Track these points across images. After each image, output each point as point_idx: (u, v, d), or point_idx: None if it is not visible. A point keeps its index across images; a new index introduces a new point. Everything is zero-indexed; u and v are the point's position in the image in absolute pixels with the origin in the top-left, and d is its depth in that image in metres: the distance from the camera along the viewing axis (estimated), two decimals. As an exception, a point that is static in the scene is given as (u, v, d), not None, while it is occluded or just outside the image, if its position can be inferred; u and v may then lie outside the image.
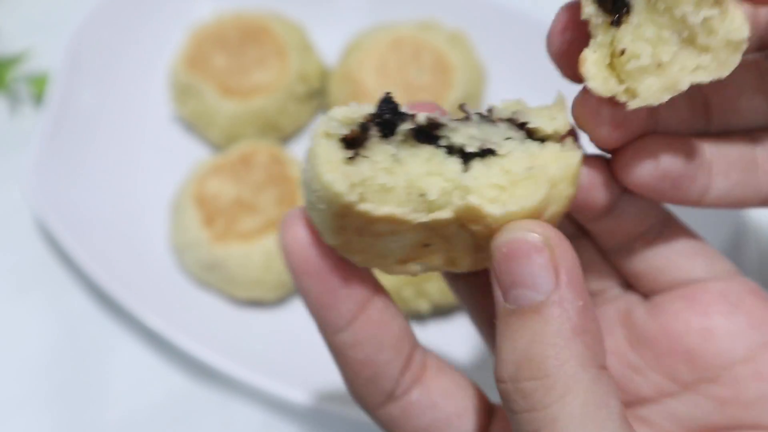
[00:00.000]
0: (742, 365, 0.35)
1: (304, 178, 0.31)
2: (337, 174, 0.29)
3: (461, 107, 0.33)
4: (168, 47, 0.76)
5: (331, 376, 0.62)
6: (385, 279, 0.65)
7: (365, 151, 0.31)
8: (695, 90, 0.33)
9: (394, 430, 0.36)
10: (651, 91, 0.32)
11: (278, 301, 0.67)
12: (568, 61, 0.34)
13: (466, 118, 0.32)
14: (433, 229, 0.31)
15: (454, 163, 0.31)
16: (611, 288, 0.39)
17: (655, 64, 0.32)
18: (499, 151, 0.31)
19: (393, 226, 0.31)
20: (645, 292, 0.38)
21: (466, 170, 0.31)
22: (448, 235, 0.32)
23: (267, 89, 0.72)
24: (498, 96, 0.77)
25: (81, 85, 0.72)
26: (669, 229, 0.37)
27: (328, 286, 0.33)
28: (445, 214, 0.30)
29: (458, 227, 0.32)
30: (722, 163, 0.37)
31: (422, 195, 0.31)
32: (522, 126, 0.32)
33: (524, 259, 0.30)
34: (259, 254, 0.64)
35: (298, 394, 0.59)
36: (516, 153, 0.31)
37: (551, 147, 0.32)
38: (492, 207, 0.30)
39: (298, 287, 0.34)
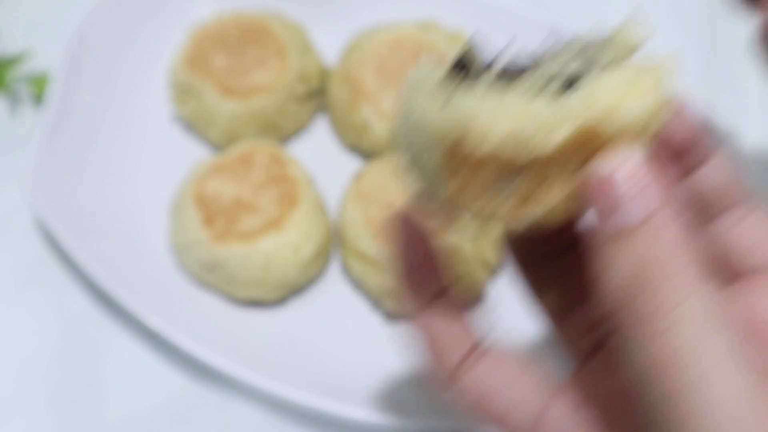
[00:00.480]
0: None
1: (404, 131, 0.29)
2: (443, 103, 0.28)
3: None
4: (168, 47, 0.76)
5: (331, 377, 0.62)
6: (387, 280, 0.65)
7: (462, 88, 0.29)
8: None
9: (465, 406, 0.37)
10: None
11: (278, 301, 0.67)
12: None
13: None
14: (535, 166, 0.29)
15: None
16: None
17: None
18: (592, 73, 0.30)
19: (500, 164, 0.29)
20: (729, 274, 0.36)
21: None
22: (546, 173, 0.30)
23: (267, 89, 0.72)
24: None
25: (81, 85, 0.72)
26: (759, 211, 0.36)
27: (442, 315, 0.36)
28: (566, 130, 0.28)
29: (561, 160, 0.29)
30: None
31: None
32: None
33: (629, 177, 0.29)
34: (259, 254, 0.64)
35: (298, 394, 0.59)
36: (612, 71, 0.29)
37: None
38: (632, 102, 0.28)
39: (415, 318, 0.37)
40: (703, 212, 0.36)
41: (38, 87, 0.76)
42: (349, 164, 0.74)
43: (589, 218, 0.30)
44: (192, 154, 0.74)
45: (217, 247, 0.64)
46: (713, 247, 0.36)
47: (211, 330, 0.63)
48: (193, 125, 0.74)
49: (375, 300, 0.67)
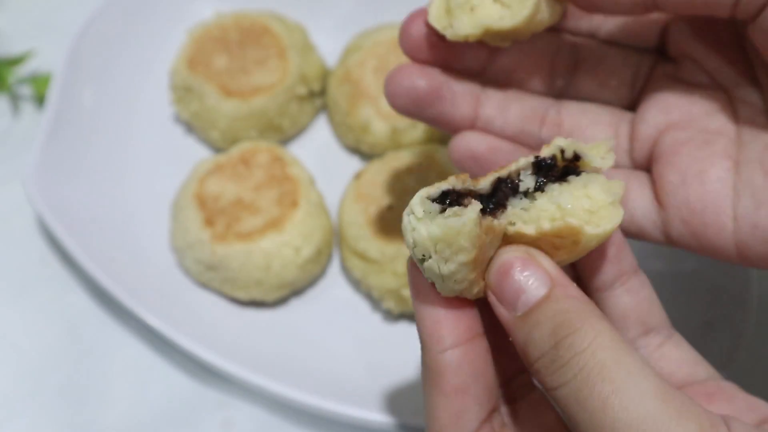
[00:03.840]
0: None
1: (447, 256, 0.36)
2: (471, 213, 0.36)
3: (533, 163, 0.39)
4: (169, 48, 0.76)
5: (331, 376, 0.62)
6: (387, 280, 0.65)
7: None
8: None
9: None
10: (462, 27, 0.46)
11: (278, 301, 0.67)
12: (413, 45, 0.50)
13: (538, 168, 0.39)
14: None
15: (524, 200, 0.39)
16: None
17: (468, 6, 0.46)
18: (568, 181, 0.39)
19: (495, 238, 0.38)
20: None
21: (536, 197, 0.39)
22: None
23: (268, 90, 0.72)
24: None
25: (82, 86, 0.72)
26: (675, 337, 0.44)
27: (447, 307, 0.39)
28: (545, 225, 0.38)
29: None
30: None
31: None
32: (573, 161, 0.39)
33: (524, 267, 0.37)
34: (259, 254, 0.64)
35: (298, 394, 0.59)
36: (579, 182, 0.39)
37: (600, 179, 0.39)
38: (590, 228, 0.37)
39: (417, 306, 0.39)
40: (628, 331, 0.44)
41: (40, 88, 0.77)
42: (349, 164, 0.74)
43: (500, 312, 0.38)
44: (193, 154, 0.74)
45: (218, 247, 0.65)
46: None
47: (211, 330, 0.64)
48: (194, 126, 0.74)
49: (375, 300, 0.67)
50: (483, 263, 0.38)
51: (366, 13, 0.78)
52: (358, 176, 0.69)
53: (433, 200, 0.37)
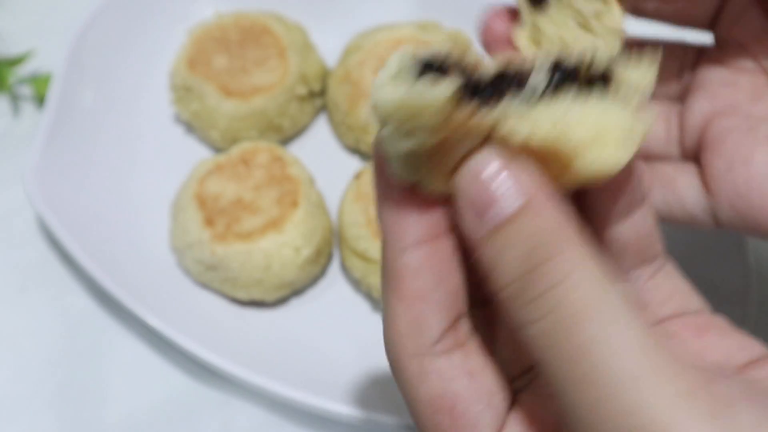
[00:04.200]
0: (735, 378, 0.35)
1: (402, 132, 0.31)
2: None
3: (554, 62, 0.32)
4: (169, 48, 0.76)
5: (331, 376, 0.62)
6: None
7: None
8: None
9: (411, 388, 0.34)
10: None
11: (278, 301, 0.67)
12: (495, 41, 0.47)
13: (555, 69, 0.31)
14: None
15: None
16: None
17: (559, 40, 0.44)
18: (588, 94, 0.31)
19: (474, 132, 0.31)
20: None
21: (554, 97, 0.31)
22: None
23: (268, 90, 0.72)
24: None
25: (82, 86, 0.72)
26: (668, 266, 0.39)
27: (409, 206, 0.33)
28: (538, 132, 0.30)
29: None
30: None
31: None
32: (606, 86, 0.32)
33: (499, 172, 0.31)
34: (259, 254, 0.64)
35: (298, 394, 0.59)
36: (601, 106, 0.31)
37: (626, 110, 0.32)
38: (586, 158, 0.30)
39: (378, 200, 0.34)
40: (624, 262, 0.39)
41: (40, 88, 0.77)
42: (349, 164, 0.74)
43: (466, 224, 0.31)
44: (193, 154, 0.74)
45: (218, 247, 0.65)
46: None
47: (211, 330, 0.64)
48: (194, 126, 0.74)
49: (375, 300, 0.67)
50: (452, 157, 0.32)
51: (366, 13, 0.78)
52: (358, 176, 0.69)
53: (421, 63, 0.30)
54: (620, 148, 0.31)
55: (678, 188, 0.48)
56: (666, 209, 0.48)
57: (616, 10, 0.44)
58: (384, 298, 0.34)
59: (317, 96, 0.76)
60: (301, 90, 0.74)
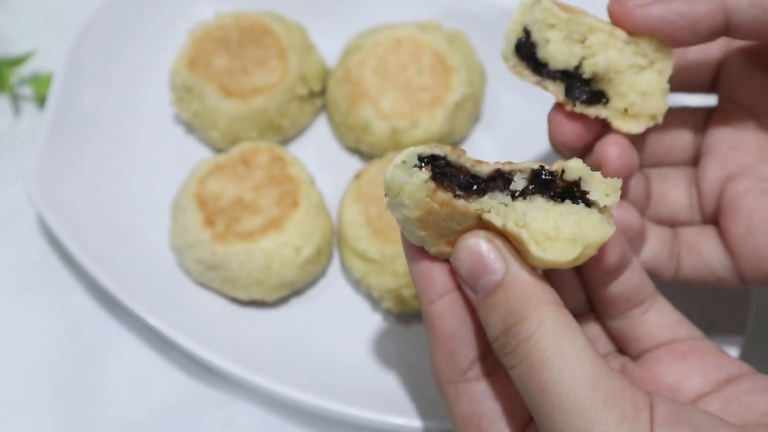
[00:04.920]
0: (711, 395, 0.44)
1: (395, 204, 0.41)
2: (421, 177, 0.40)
3: (533, 170, 0.41)
4: (169, 48, 0.76)
5: (331, 376, 0.62)
6: (387, 280, 0.65)
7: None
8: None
9: (449, 408, 0.45)
10: (658, 105, 0.49)
11: (278, 301, 0.67)
12: (573, 143, 0.50)
13: (535, 177, 0.41)
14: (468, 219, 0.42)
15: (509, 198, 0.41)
16: (611, 353, 0.50)
17: (643, 95, 0.49)
18: (555, 201, 0.41)
19: (459, 214, 0.41)
20: (635, 353, 0.49)
21: (522, 199, 0.41)
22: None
23: (268, 90, 0.72)
24: (497, 97, 0.77)
25: (83, 86, 0.72)
26: (659, 302, 0.48)
27: (430, 265, 0.44)
28: (508, 224, 0.40)
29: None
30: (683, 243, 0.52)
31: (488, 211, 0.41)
32: (581, 194, 0.41)
33: (484, 253, 0.41)
34: (259, 254, 0.64)
35: (298, 394, 0.59)
36: (568, 210, 0.41)
37: (595, 216, 0.41)
38: (536, 248, 0.40)
39: (408, 264, 0.44)
40: (619, 307, 0.48)
41: (40, 88, 0.77)
42: (349, 164, 0.74)
43: (465, 289, 0.43)
44: (193, 154, 0.74)
45: (218, 247, 0.65)
46: (629, 333, 0.48)
47: (211, 329, 0.64)
48: (194, 126, 0.74)
49: (375, 300, 0.67)
50: (442, 230, 0.42)
51: (366, 13, 0.78)
52: (358, 176, 0.69)
53: (422, 158, 0.40)
54: (567, 249, 0.40)
55: (704, 254, 0.52)
56: (696, 275, 0.52)
57: (643, 37, 0.47)
58: (427, 337, 0.45)
59: (317, 96, 0.76)
60: (301, 90, 0.74)
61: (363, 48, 0.74)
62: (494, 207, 0.41)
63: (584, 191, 0.41)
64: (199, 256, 0.66)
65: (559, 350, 0.38)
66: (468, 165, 0.41)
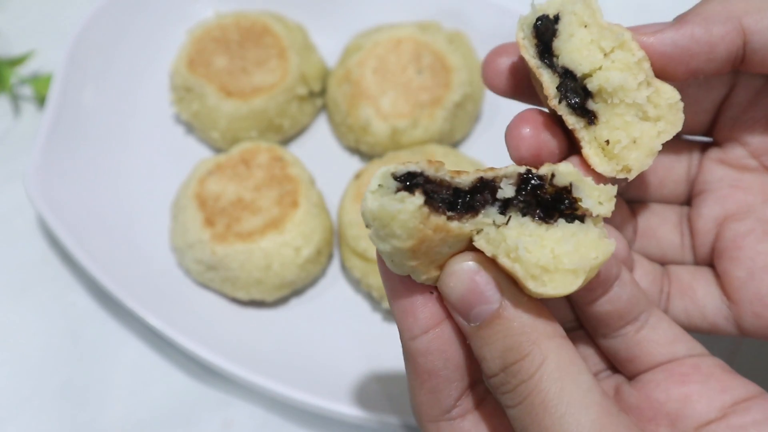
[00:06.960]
0: (716, 423, 0.41)
1: (382, 235, 0.36)
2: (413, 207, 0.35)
3: (520, 175, 0.38)
4: (169, 48, 0.76)
5: (331, 376, 0.62)
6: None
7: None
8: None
9: None
10: (639, 161, 0.43)
11: (278, 301, 0.67)
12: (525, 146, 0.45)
13: (522, 182, 0.37)
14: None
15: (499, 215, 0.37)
16: (603, 371, 0.47)
17: (631, 142, 0.43)
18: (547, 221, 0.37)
19: (453, 237, 0.37)
20: (631, 373, 0.45)
21: (509, 219, 0.37)
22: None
23: (268, 90, 0.72)
24: (497, 97, 0.77)
25: (83, 86, 0.72)
26: (654, 317, 0.44)
27: (412, 298, 0.39)
28: (500, 258, 0.36)
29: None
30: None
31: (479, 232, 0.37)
32: (571, 202, 0.38)
33: (477, 281, 0.37)
34: (259, 254, 0.65)
35: (298, 394, 0.59)
36: (563, 232, 0.37)
37: (592, 232, 0.37)
38: (533, 284, 0.36)
39: (388, 297, 0.40)
40: (610, 326, 0.44)
41: (40, 88, 0.77)
42: (349, 164, 0.74)
43: (456, 318, 0.39)
44: (193, 154, 0.74)
45: (218, 247, 0.65)
46: (623, 353, 0.45)
47: (211, 330, 0.64)
48: (194, 126, 0.74)
49: (375, 300, 0.67)
50: (434, 256, 0.37)
51: (366, 13, 0.78)
52: (358, 176, 0.69)
53: (398, 177, 0.35)
54: (569, 280, 0.36)
55: (697, 297, 0.48)
56: (686, 319, 0.48)
57: (666, 87, 0.43)
58: (407, 374, 0.41)
59: (317, 96, 0.76)
60: (301, 90, 0.74)
61: (363, 48, 0.74)
62: (484, 231, 0.37)
63: (575, 198, 0.37)
64: (199, 256, 0.66)
65: (563, 393, 0.35)
66: (448, 178, 0.36)
